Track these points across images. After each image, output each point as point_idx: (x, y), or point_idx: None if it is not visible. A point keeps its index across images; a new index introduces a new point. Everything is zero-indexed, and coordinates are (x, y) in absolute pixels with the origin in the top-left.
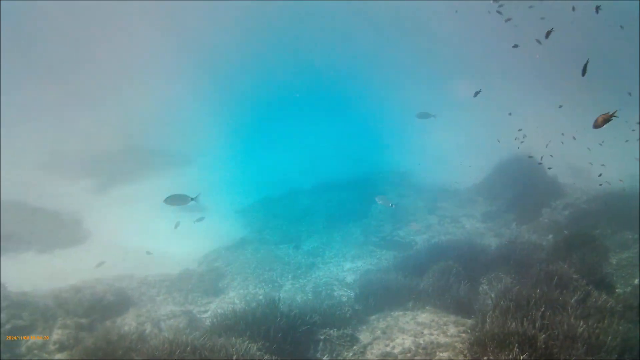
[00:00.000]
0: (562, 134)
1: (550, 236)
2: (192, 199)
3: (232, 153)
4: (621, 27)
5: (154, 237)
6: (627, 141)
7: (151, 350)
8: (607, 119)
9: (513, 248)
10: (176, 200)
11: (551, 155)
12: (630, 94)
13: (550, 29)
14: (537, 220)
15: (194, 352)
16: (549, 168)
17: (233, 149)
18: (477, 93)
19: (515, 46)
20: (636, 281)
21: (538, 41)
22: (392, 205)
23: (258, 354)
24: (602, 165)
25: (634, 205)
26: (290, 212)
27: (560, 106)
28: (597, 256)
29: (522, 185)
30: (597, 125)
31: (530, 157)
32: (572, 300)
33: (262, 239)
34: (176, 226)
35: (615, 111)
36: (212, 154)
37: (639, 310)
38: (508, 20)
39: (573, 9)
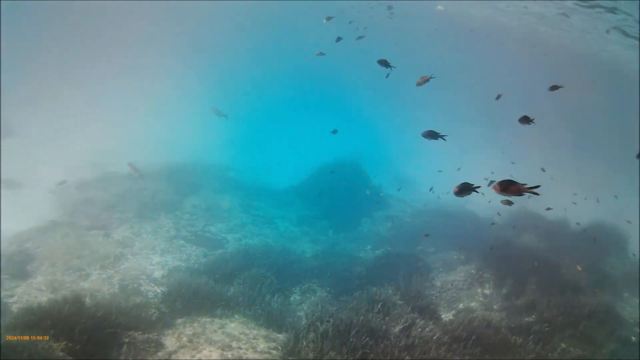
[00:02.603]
0: None
1: (369, 247)
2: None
3: None
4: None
5: None
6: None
7: None
8: (426, 79)
9: (331, 260)
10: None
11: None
12: None
13: (558, 86)
14: (357, 230)
15: None
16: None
17: None
18: (499, 96)
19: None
20: (461, 305)
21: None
22: None
23: (61, 354)
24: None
25: (461, 225)
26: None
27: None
28: (422, 279)
29: (345, 192)
30: (418, 83)
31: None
32: (397, 330)
33: (73, 222)
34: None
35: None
36: None
37: (464, 342)
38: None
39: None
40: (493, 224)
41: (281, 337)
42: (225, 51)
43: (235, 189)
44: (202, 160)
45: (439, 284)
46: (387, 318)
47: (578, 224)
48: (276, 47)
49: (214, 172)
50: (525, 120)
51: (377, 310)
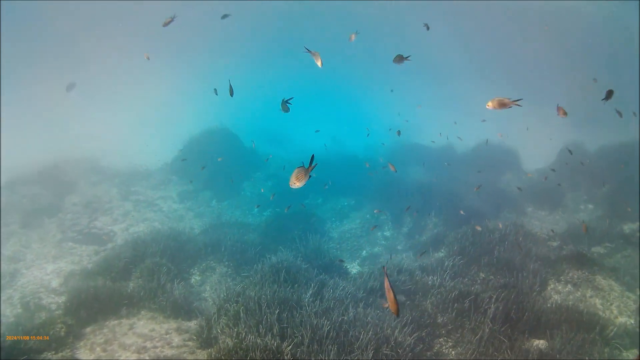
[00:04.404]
0: None
1: (255, 210)
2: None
3: None
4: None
5: None
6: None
7: None
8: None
9: (221, 233)
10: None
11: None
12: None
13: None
14: (240, 195)
15: None
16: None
17: None
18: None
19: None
20: (364, 252)
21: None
22: None
23: None
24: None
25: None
26: None
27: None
28: (318, 235)
29: (222, 159)
30: (395, 61)
31: None
32: (308, 295)
33: None
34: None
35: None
36: None
37: (380, 293)
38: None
39: None
40: (384, 168)
41: (193, 325)
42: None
43: (111, 177)
44: (74, 155)
45: (336, 236)
46: (296, 285)
47: (461, 139)
48: None
49: (85, 165)
50: (400, 59)
51: (282, 279)
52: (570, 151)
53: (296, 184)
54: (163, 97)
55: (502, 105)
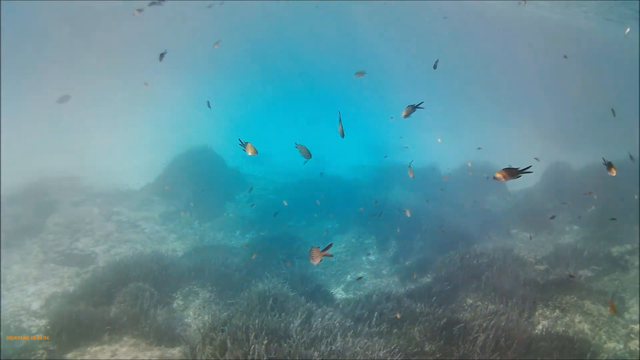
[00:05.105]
0: None
1: (238, 232)
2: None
3: None
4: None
5: None
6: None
7: None
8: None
9: (205, 256)
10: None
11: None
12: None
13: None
14: (222, 216)
15: None
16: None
17: None
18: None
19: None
20: (348, 277)
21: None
22: None
23: None
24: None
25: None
26: None
27: None
28: (303, 260)
29: (204, 180)
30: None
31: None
32: (297, 325)
33: None
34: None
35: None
36: None
37: (368, 322)
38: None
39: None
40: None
41: (177, 352)
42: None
43: (93, 197)
44: (56, 173)
45: (321, 260)
46: (284, 314)
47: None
48: None
49: (67, 184)
50: (409, 110)
51: (270, 307)
52: (610, 165)
53: (315, 261)
54: (145, 115)
55: (511, 175)
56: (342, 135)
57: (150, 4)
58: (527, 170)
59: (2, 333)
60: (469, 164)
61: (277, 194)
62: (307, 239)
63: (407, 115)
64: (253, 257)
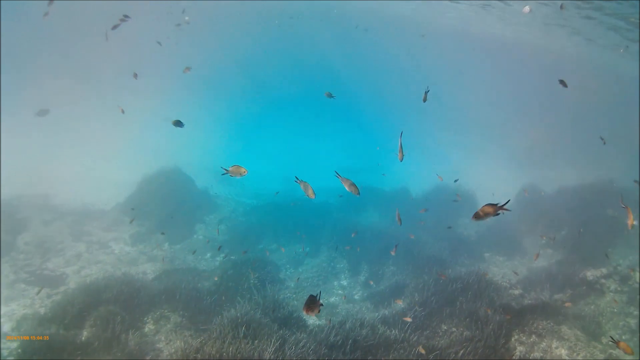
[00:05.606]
0: None
1: (209, 255)
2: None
3: None
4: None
5: None
6: None
7: None
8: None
9: (176, 279)
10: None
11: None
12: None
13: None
14: (192, 237)
15: None
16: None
17: None
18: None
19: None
20: (321, 302)
21: None
22: None
23: None
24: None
25: (300, 216)
26: None
27: None
28: (275, 284)
29: (174, 201)
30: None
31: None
32: (270, 352)
33: None
34: None
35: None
36: None
37: (342, 349)
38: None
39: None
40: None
41: None
42: None
43: (63, 216)
44: (27, 191)
45: (292, 285)
46: (257, 341)
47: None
48: None
49: (38, 202)
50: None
51: (242, 334)
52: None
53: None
54: (119, 134)
55: (489, 212)
56: (401, 159)
57: (114, 28)
58: (505, 207)
59: None
60: (440, 179)
61: (246, 216)
62: (278, 262)
63: (425, 100)
64: (215, 279)
